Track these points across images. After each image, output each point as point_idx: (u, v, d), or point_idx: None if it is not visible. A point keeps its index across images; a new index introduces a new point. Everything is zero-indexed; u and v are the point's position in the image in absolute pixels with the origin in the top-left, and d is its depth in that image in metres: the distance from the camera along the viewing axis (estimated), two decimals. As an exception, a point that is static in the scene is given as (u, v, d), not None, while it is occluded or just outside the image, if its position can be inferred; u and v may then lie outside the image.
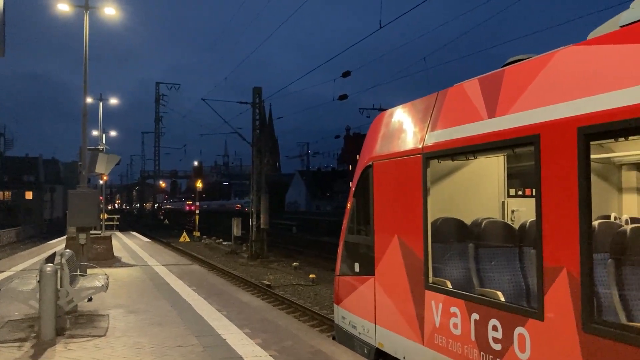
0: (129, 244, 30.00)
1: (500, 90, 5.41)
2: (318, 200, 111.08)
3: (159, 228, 70.73)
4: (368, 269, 7.61)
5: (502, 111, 5.28)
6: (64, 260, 8.69)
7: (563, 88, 4.61)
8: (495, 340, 5.17)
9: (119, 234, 41.55)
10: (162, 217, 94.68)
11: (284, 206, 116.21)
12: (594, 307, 4.28)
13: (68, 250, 10.54)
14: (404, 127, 7.18)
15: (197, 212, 55.22)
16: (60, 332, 8.47)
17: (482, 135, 5.46)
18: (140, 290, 13.33)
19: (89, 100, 35.73)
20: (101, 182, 45.12)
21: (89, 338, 8.24)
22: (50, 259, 9.18)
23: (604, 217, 5.67)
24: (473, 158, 6.21)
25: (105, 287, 9.09)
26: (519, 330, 4.89)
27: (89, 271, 14.80)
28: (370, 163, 7.77)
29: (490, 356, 5.25)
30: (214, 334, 8.54)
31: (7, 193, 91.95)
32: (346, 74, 22.68)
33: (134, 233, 43.35)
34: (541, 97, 4.83)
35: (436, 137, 6.27)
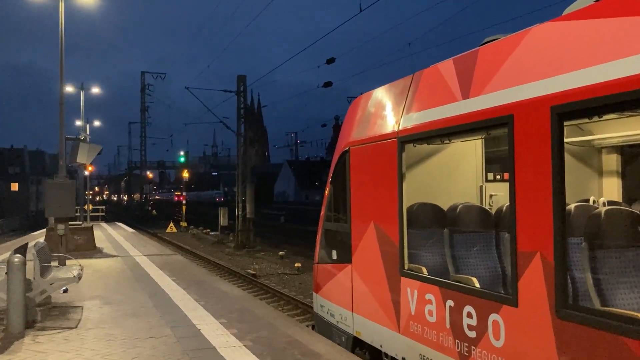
0: (113, 235, 29.68)
1: (475, 70, 5.24)
2: (307, 190, 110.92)
3: (147, 219, 70.25)
4: (345, 257, 7.47)
5: (476, 92, 5.11)
6: (34, 251, 8.45)
7: (537, 66, 4.45)
8: (470, 327, 5.04)
9: (104, 225, 41.18)
10: (150, 208, 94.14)
11: (273, 196, 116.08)
12: (568, 292, 4.15)
13: (41, 240, 10.31)
14: (380, 111, 7.00)
15: (184, 202, 54.88)
16: (30, 324, 8.24)
17: (456, 117, 5.29)
18: (119, 281, 13.10)
19: (71, 89, 35.38)
20: (86, 172, 44.62)
21: (60, 330, 8.02)
22: (22, 249, 8.92)
23: (583, 200, 5.54)
24: (448, 141, 6.05)
25: (77, 279, 8.86)
26: (493, 316, 4.76)
27: (67, 262, 14.59)
28: (347, 148, 7.60)
29: (465, 344, 5.12)
30: (189, 324, 8.35)
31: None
32: (330, 61, 22.43)
33: (120, 224, 42.99)
34: (515, 75, 4.66)
35: (411, 120, 6.10)
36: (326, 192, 8.43)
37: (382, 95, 7.14)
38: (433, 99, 5.82)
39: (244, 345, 7.10)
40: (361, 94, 8.03)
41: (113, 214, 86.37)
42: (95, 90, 35.93)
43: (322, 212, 8.55)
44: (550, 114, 4.16)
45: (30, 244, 9.67)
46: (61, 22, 16.84)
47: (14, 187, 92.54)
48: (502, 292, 5.13)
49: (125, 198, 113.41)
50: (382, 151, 6.62)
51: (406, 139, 6.14)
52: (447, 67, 5.75)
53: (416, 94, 6.21)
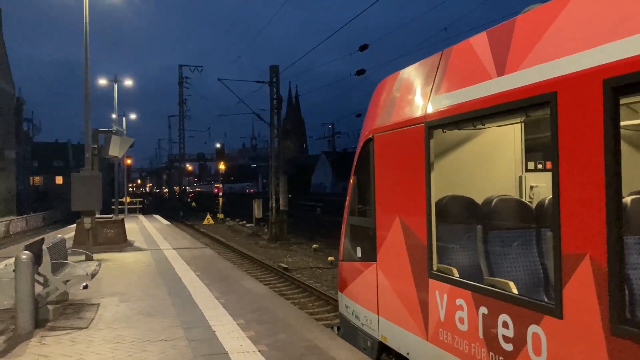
0: (147, 227, 29.71)
1: (511, 43, 4.53)
2: (344, 182, 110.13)
3: (186, 211, 70.88)
4: (370, 254, 6.85)
5: (513, 67, 4.40)
6: (44, 248, 8.10)
7: (585, 33, 3.72)
8: (506, 339, 4.36)
9: (141, 217, 41.50)
10: (189, 200, 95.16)
11: (310, 188, 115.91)
12: (625, 303, 3.42)
13: (59, 235, 10.00)
14: (406, 94, 6.33)
15: (221, 194, 55.04)
16: (41, 323, 7.90)
17: (489, 97, 4.59)
18: (142, 276, 12.76)
19: (104, 82, 35.56)
20: (124, 165, 45.13)
21: (69, 331, 7.63)
22: (37, 245, 8.59)
23: (637, 192, 4.77)
24: (481, 125, 5.34)
25: (90, 277, 8.47)
26: (533, 328, 4.07)
27: (95, 256, 14.39)
28: (371, 136, 6.95)
29: (501, 357, 4.45)
30: (205, 325, 7.86)
31: (37, 178, 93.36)
32: (363, 48, 21.62)
33: (156, 216, 43.26)
34: (558, 46, 3.94)
35: (439, 102, 5.42)
36: (350, 183, 7.81)
37: (408, 76, 6.46)
38: (464, 78, 5.13)
39: (259, 351, 6.56)
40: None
41: (154, 206, 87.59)
42: (128, 82, 35.99)
43: (346, 205, 7.96)
44: (602, 89, 3.44)
45: (48, 240, 9.35)
46: (85, 14, 16.62)
47: (59, 180, 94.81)
48: (544, 300, 4.42)
49: (166, 190, 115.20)
50: (407, 138, 5.95)
51: (434, 123, 5.46)
52: (480, 42, 5.04)
53: (445, 73, 5.52)
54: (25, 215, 51.18)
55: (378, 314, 6.65)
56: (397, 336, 6.20)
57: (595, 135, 3.49)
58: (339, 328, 8.54)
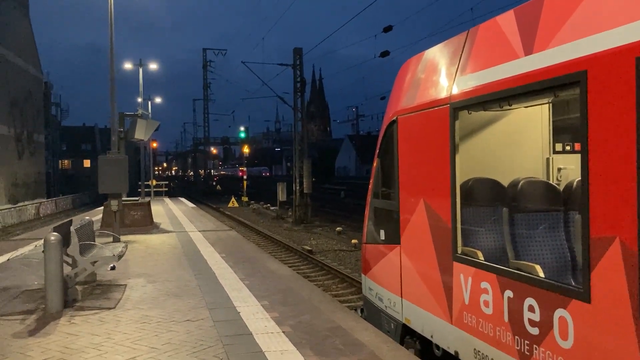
0: (172, 210, 30.08)
1: (540, 21, 4.41)
2: (368, 165, 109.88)
3: (211, 194, 71.60)
4: (394, 237, 6.82)
5: (541, 46, 4.29)
6: (72, 229, 8.24)
7: (616, 9, 3.60)
8: (532, 323, 4.32)
9: (167, 199, 42.03)
10: (214, 183, 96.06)
11: (334, 171, 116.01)
12: None
13: (87, 217, 10.17)
14: (431, 74, 6.24)
15: (245, 177, 55.39)
16: (70, 303, 8.07)
17: (517, 77, 4.49)
18: (168, 258, 12.93)
19: (129, 66, 35.87)
20: (150, 148, 45.62)
21: (97, 311, 7.78)
22: (65, 227, 8.75)
23: None
24: (508, 106, 5.24)
25: (116, 258, 8.61)
26: (560, 312, 4.01)
27: (122, 238, 14.63)
28: (395, 118, 6.88)
29: (526, 341, 4.40)
30: (229, 306, 7.94)
31: (66, 162, 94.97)
32: (387, 29, 21.39)
33: (182, 199, 43.78)
34: (588, 24, 3.82)
35: (465, 83, 5.32)
36: (374, 166, 7.77)
37: (433, 56, 6.36)
38: (490, 58, 5.02)
39: (283, 332, 6.60)
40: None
41: (180, 189, 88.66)
42: (153, 66, 36.34)
43: (370, 188, 7.93)
44: (635, 67, 3.33)
45: (76, 222, 9.52)
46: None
47: (87, 163, 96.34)
48: (572, 284, 4.35)
49: (191, 174, 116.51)
50: (432, 120, 5.88)
51: (459, 104, 5.37)
52: (507, 20, 4.93)
53: (471, 52, 5.41)
54: (54, 198, 52.27)
55: (402, 297, 6.64)
56: (420, 319, 6.19)
57: (627, 115, 3.40)
58: (362, 310, 8.57)
